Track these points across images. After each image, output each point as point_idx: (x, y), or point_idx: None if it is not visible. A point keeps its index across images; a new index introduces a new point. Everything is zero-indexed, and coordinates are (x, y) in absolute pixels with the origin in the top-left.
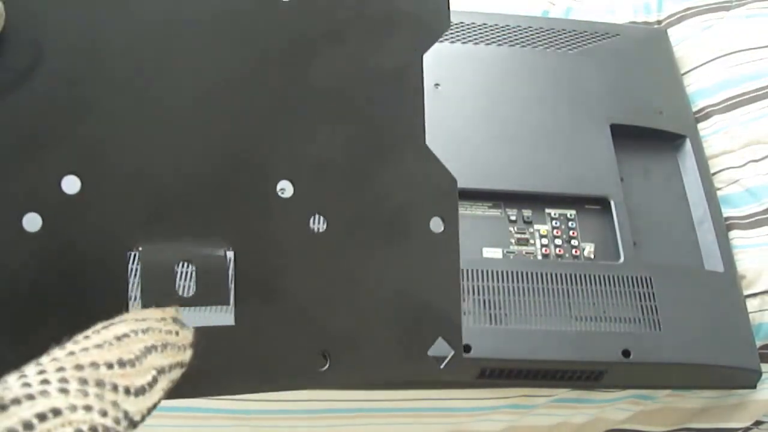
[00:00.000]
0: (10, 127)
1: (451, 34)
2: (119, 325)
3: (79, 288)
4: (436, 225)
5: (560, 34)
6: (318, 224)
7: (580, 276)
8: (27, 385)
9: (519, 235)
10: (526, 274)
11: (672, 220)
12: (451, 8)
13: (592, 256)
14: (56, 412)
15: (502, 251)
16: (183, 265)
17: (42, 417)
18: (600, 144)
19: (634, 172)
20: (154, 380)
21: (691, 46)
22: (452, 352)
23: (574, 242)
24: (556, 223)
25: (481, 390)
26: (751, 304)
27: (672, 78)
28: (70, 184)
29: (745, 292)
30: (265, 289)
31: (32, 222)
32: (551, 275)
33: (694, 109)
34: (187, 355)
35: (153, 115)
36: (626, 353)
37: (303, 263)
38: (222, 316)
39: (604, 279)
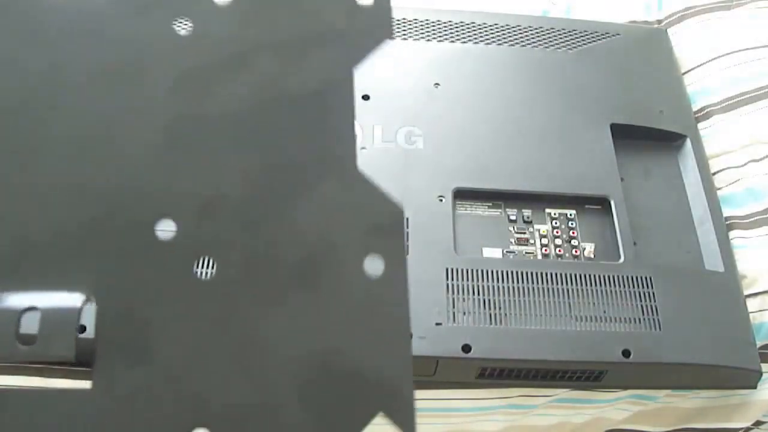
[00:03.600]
0: None
1: (451, 34)
2: None
3: None
4: (374, 267)
5: (560, 34)
6: (205, 269)
7: (580, 276)
8: None
9: (519, 235)
10: (526, 274)
11: (672, 220)
12: (452, 8)
13: (592, 256)
14: None
15: (502, 251)
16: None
17: None
18: (600, 144)
19: (634, 172)
20: None
21: (691, 46)
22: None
23: (574, 242)
24: (556, 223)
25: (481, 390)
26: (752, 304)
27: (672, 78)
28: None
29: (746, 292)
30: (133, 348)
31: None
32: (551, 275)
33: (695, 109)
34: None
35: (27, 158)
36: (626, 353)
37: (184, 317)
38: (81, 378)
39: (604, 279)
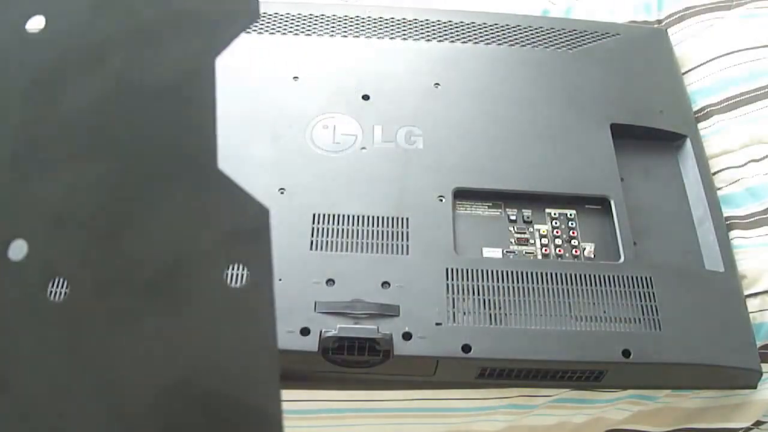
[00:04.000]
0: None
1: (451, 33)
2: None
3: None
4: (234, 275)
5: (560, 34)
6: (57, 290)
7: (580, 276)
8: None
9: (519, 235)
10: (526, 274)
11: (672, 220)
12: (452, 8)
13: (592, 256)
14: None
15: (502, 251)
16: None
17: None
18: (600, 144)
19: (634, 172)
20: None
21: (691, 46)
22: None
23: (574, 242)
24: (556, 223)
25: (481, 390)
26: (752, 304)
27: (672, 77)
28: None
29: (746, 292)
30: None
31: None
32: (551, 275)
33: (695, 109)
34: None
35: None
36: (626, 353)
37: (38, 343)
38: None
39: (604, 279)
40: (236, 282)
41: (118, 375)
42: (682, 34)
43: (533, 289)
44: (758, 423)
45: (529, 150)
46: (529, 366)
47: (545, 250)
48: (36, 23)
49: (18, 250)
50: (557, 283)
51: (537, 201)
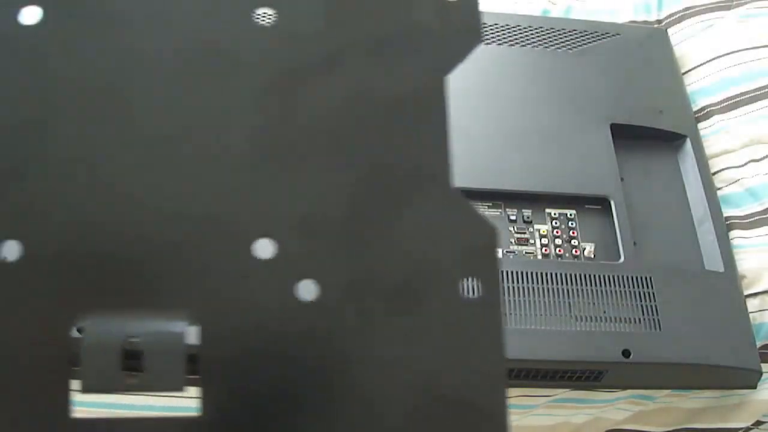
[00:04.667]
0: None
1: None
2: None
3: (15, 374)
4: (469, 289)
5: (560, 34)
6: (307, 292)
7: (580, 276)
8: None
9: (519, 235)
10: (526, 274)
11: (672, 220)
12: None
13: (592, 256)
14: None
15: (502, 251)
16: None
17: None
18: (600, 144)
19: (634, 172)
20: None
21: (691, 46)
22: None
23: (574, 242)
24: (556, 223)
25: None
26: (752, 304)
27: (672, 77)
28: (10, 249)
29: (746, 292)
30: (237, 372)
31: None
32: (551, 275)
33: (695, 109)
34: None
35: (105, 174)
36: (626, 353)
37: (286, 340)
38: (189, 403)
39: (604, 279)
40: (469, 294)
41: (366, 374)
42: (682, 34)
43: (533, 289)
44: (758, 423)
45: (528, 150)
46: (528, 366)
47: (545, 250)
48: (267, 16)
49: (265, 248)
50: (557, 283)
51: (537, 201)
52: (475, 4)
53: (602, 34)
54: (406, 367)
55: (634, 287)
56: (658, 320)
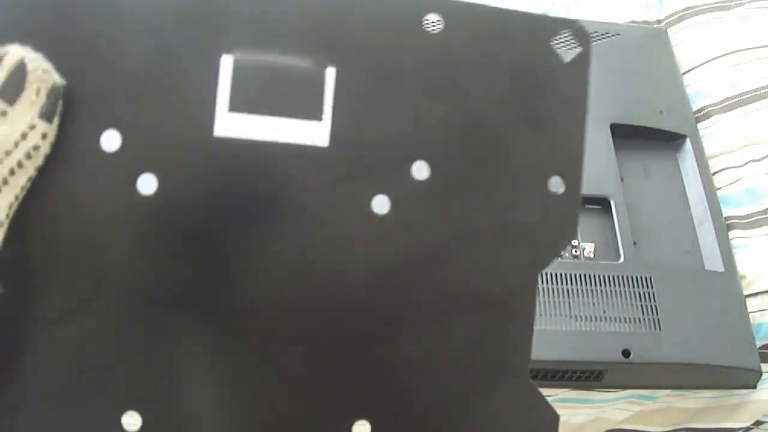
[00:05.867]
0: (65, 360)
1: None
2: None
3: None
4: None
5: None
6: None
7: (580, 276)
8: None
9: None
10: None
11: (672, 220)
12: None
13: (592, 256)
14: None
15: None
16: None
17: None
18: (600, 144)
19: (634, 172)
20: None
21: (691, 46)
22: None
23: (574, 242)
24: None
25: None
26: (752, 304)
27: (672, 78)
28: (130, 423)
29: (745, 292)
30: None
31: None
32: (551, 275)
33: (694, 109)
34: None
35: (216, 358)
36: (626, 353)
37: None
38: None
39: (604, 279)
40: None
41: None
42: (682, 34)
43: None
44: (758, 423)
45: None
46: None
47: None
48: (382, 204)
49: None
50: (557, 283)
51: None
52: (578, 198)
53: (602, 34)
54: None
55: (634, 287)
56: (658, 320)
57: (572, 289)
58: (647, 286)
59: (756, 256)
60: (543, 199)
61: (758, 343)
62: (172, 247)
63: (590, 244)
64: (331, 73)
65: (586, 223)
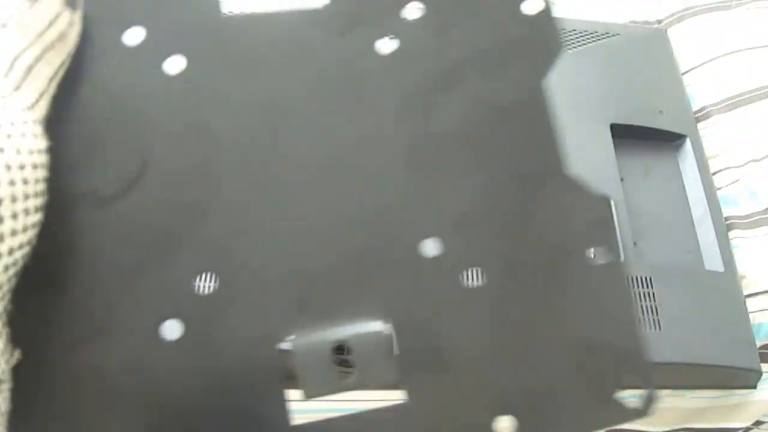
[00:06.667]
0: (127, 235)
1: None
2: None
3: (231, 391)
4: (598, 257)
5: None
6: (473, 280)
7: None
8: None
9: None
10: None
11: (672, 220)
12: None
13: (592, 256)
14: None
15: None
16: (341, 349)
17: None
18: (600, 144)
19: (634, 172)
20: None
21: (691, 46)
22: (646, 390)
23: None
24: None
25: None
26: (752, 304)
27: (672, 78)
28: (206, 283)
29: (746, 292)
30: (432, 358)
31: (172, 329)
32: None
33: (694, 109)
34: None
35: (278, 202)
36: None
37: (465, 323)
38: (393, 394)
39: None
40: (599, 262)
41: (535, 340)
42: (682, 34)
43: None
44: (758, 423)
45: None
46: None
47: None
48: (387, 43)
49: (432, 247)
50: None
51: None
52: (550, 17)
53: (602, 34)
54: (560, 327)
55: (634, 287)
56: (658, 320)
57: None
58: (647, 286)
59: (756, 256)
60: (522, 20)
61: (758, 343)
62: (205, 120)
63: None
64: None
65: None
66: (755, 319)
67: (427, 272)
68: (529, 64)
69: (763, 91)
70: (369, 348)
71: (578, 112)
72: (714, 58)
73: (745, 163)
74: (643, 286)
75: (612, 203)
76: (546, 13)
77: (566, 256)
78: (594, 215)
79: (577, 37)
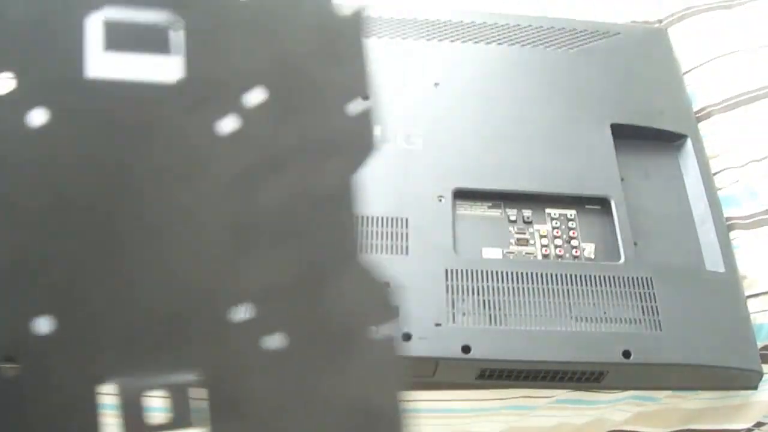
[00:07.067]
0: None
1: (451, 33)
2: None
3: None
4: (377, 332)
5: (560, 34)
6: (276, 343)
7: (581, 276)
8: None
9: (519, 235)
10: (526, 274)
11: (673, 220)
12: (452, 7)
13: (593, 257)
14: None
15: (502, 251)
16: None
17: None
18: (600, 144)
19: (634, 172)
20: None
21: (691, 46)
22: None
23: (574, 242)
24: (556, 223)
25: (481, 391)
26: (753, 305)
27: (672, 77)
28: (44, 324)
29: (747, 293)
30: (238, 407)
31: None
32: (551, 275)
33: (695, 109)
34: None
35: (112, 260)
36: (627, 354)
37: (266, 380)
38: None
39: (605, 279)
40: (377, 337)
41: (323, 401)
42: (683, 34)
43: (533, 289)
44: (759, 424)
45: (528, 150)
46: (529, 367)
47: (545, 250)
48: (225, 125)
49: (242, 311)
50: (557, 284)
51: (537, 201)
52: (369, 118)
53: (602, 34)
54: (348, 393)
55: (634, 288)
56: (659, 321)
57: (572, 290)
58: (648, 287)
59: (757, 256)
60: (344, 120)
61: (759, 344)
62: (67, 172)
63: (590, 244)
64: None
65: (586, 224)
66: (756, 319)
67: (235, 334)
68: (344, 158)
69: (764, 91)
70: (181, 397)
71: (578, 112)
72: (714, 58)
73: (746, 163)
74: (643, 287)
75: (612, 203)
76: (366, 114)
77: (352, 329)
78: (379, 298)
79: (577, 37)
